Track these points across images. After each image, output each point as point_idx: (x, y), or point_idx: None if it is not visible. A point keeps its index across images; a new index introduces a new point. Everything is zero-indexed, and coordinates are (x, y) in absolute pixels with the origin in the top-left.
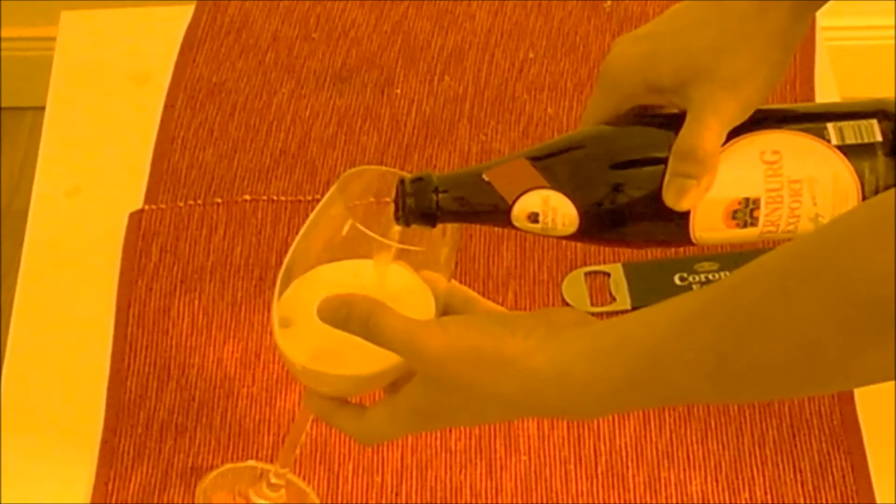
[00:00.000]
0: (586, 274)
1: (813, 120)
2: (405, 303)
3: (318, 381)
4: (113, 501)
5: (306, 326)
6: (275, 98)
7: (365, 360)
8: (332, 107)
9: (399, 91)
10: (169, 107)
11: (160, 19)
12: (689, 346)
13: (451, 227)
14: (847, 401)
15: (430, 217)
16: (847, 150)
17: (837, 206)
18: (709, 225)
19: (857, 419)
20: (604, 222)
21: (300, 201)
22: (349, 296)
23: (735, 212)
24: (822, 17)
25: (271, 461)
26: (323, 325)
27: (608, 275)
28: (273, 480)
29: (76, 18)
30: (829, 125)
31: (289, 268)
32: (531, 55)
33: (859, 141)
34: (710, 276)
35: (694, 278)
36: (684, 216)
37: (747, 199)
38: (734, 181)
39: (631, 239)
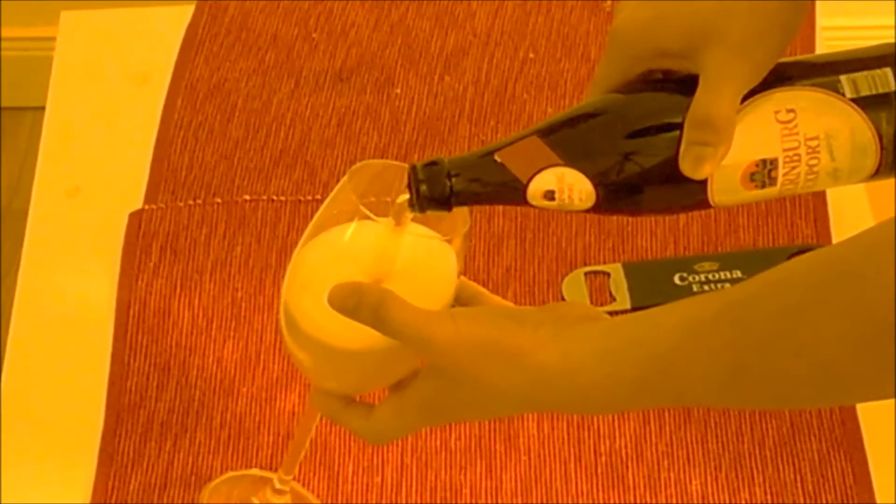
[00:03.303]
0: (586, 274)
1: (826, 73)
2: (425, 264)
3: (325, 362)
4: (113, 501)
5: (319, 295)
6: (275, 98)
7: (371, 333)
8: (332, 107)
9: (399, 91)
10: (169, 107)
11: (160, 19)
12: (702, 354)
13: (461, 223)
14: None
15: (444, 202)
16: (862, 103)
17: (856, 160)
18: (727, 188)
19: (857, 419)
20: (621, 194)
21: (300, 201)
22: (359, 284)
23: (753, 174)
24: (823, 18)
25: (271, 461)
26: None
27: (608, 275)
28: (278, 486)
29: (76, 18)
30: (843, 78)
31: (294, 268)
32: (531, 55)
33: (874, 92)
34: (710, 276)
35: (694, 278)
36: (702, 181)
37: (764, 161)
38: (750, 143)
39: (649, 207)
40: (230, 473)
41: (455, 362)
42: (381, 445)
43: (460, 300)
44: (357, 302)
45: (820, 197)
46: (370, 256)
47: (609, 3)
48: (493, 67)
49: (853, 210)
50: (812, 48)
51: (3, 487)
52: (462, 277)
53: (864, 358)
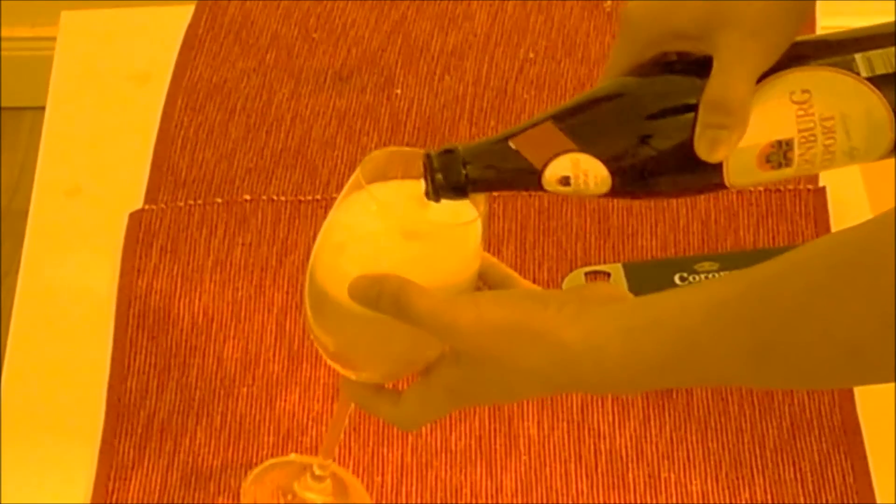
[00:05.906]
0: (586, 274)
1: (840, 52)
2: (453, 232)
3: (353, 339)
4: (113, 501)
5: (355, 255)
6: (275, 98)
7: None
8: (332, 107)
9: (399, 91)
10: (169, 107)
11: (160, 19)
12: (725, 333)
13: (480, 200)
14: (847, 401)
15: (460, 190)
16: (878, 81)
17: (872, 139)
18: (743, 170)
19: (857, 419)
20: (636, 178)
21: (300, 201)
22: (379, 275)
23: (769, 155)
24: (822, 18)
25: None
26: (369, 250)
27: (608, 275)
28: (317, 472)
29: (76, 18)
30: (858, 56)
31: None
32: (531, 55)
33: (890, 70)
34: (710, 276)
35: (694, 278)
36: (717, 164)
37: (780, 142)
38: (765, 125)
39: (664, 191)
40: (271, 461)
41: (478, 345)
42: (412, 431)
43: (490, 282)
44: (378, 292)
45: (820, 196)
46: (406, 213)
47: (609, 3)
48: (493, 67)
49: (853, 210)
50: None
51: (3, 487)
52: (493, 258)
53: (887, 336)
